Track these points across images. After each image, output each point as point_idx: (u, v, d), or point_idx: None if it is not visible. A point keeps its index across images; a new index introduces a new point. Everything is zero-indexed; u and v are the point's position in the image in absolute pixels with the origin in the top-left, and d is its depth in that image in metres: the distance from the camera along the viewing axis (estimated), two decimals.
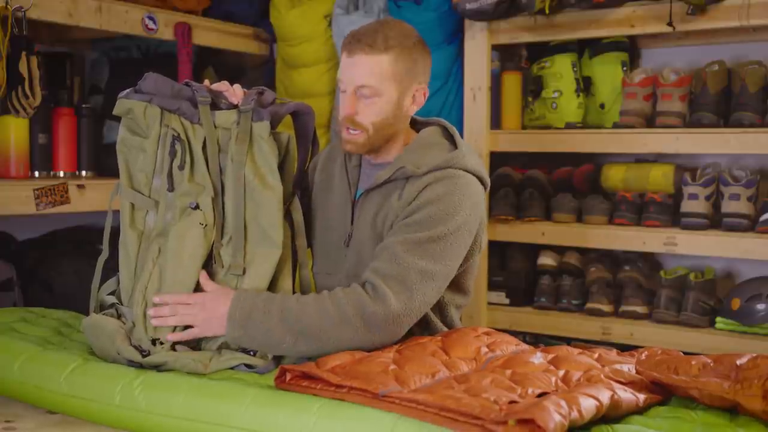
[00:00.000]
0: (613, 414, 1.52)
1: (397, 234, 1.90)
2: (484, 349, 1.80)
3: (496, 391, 1.50)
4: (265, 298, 1.85)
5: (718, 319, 2.97)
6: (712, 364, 1.67)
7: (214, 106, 1.99)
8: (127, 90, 2.01)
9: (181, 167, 1.93)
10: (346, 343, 1.80)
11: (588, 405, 1.45)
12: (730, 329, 2.93)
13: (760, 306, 2.89)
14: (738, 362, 1.63)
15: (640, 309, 3.12)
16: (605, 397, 1.51)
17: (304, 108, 2.09)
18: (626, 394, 1.56)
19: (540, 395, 1.50)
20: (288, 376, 1.66)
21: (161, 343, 1.88)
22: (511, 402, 1.45)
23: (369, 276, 1.86)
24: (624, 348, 3.08)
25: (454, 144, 2.04)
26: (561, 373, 1.67)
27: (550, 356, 1.76)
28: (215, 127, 1.96)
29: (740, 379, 1.53)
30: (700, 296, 3.01)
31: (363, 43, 1.94)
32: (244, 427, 1.57)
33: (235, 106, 1.99)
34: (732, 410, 1.57)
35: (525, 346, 1.88)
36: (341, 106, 2.01)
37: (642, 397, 1.60)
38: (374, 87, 1.95)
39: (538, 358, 1.74)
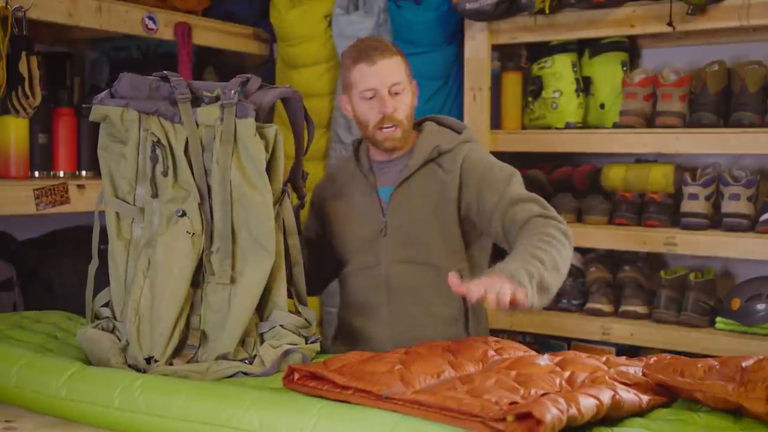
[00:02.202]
0: (615, 414, 1.52)
1: (501, 193, 2.11)
2: (492, 353, 1.81)
3: (499, 392, 1.50)
4: (532, 265, 1.89)
5: (718, 319, 2.96)
6: (717, 367, 1.67)
7: (196, 101, 1.91)
8: (102, 93, 1.94)
9: (165, 173, 1.87)
10: (567, 261, 2.02)
11: (588, 403, 1.45)
12: (730, 329, 2.93)
13: (760, 306, 2.89)
14: (744, 364, 1.63)
15: (640, 309, 3.11)
16: (606, 396, 1.50)
17: (290, 92, 2.02)
18: (628, 395, 1.56)
19: (542, 396, 1.50)
20: (296, 376, 1.66)
21: (156, 361, 1.84)
22: (512, 403, 1.45)
23: (534, 209, 2.06)
24: (624, 348, 3.10)
25: (451, 128, 2.30)
26: (566, 374, 1.67)
27: (558, 359, 1.76)
28: (197, 125, 1.89)
29: (744, 382, 1.53)
30: (700, 296, 3.01)
31: (379, 50, 2.18)
32: (245, 428, 1.56)
33: (218, 99, 1.90)
34: (736, 412, 1.56)
35: (533, 353, 1.89)
36: (373, 110, 2.18)
37: (645, 398, 1.59)
38: (402, 83, 2.19)
39: (544, 360, 1.74)
